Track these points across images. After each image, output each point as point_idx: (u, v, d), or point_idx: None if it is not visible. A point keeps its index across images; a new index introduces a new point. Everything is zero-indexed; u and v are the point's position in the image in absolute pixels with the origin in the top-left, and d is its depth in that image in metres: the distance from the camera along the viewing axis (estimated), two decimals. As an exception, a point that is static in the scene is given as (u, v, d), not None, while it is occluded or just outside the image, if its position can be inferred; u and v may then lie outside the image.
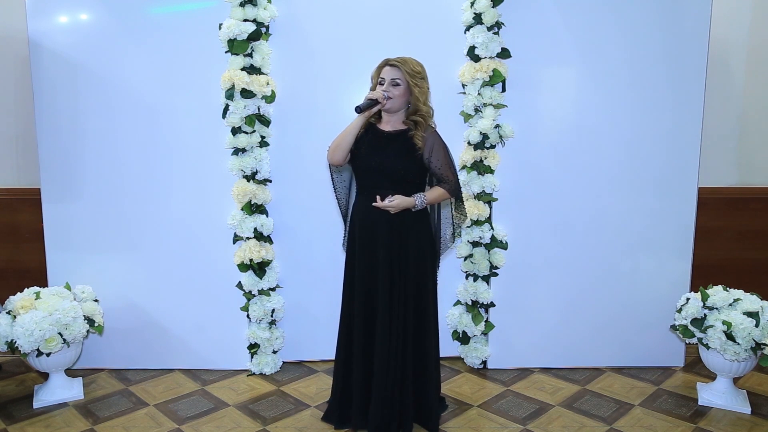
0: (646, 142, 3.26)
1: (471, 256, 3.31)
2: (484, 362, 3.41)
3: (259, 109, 3.18)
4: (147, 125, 3.24)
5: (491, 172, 3.24)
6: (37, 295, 3.01)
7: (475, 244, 3.30)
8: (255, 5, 3.09)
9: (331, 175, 2.77)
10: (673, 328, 3.10)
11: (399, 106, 2.58)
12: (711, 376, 3.18)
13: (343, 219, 2.83)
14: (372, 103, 2.52)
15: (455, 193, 2.64)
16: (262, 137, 3.22)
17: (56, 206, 3.27)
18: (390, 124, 2.63)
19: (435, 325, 2.74)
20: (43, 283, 3.27)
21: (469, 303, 3.36)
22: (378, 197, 2.53)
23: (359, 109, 2.50)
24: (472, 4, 3.16)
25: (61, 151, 3.24)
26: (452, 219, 2.75)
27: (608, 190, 3.30)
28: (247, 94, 3.12)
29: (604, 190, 3.30)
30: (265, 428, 2.81)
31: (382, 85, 2.55)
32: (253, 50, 3.13)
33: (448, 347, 3.37)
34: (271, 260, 3.31)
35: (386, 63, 2.57)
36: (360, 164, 2.61)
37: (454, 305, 3.45)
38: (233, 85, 3.10)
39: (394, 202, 2.52)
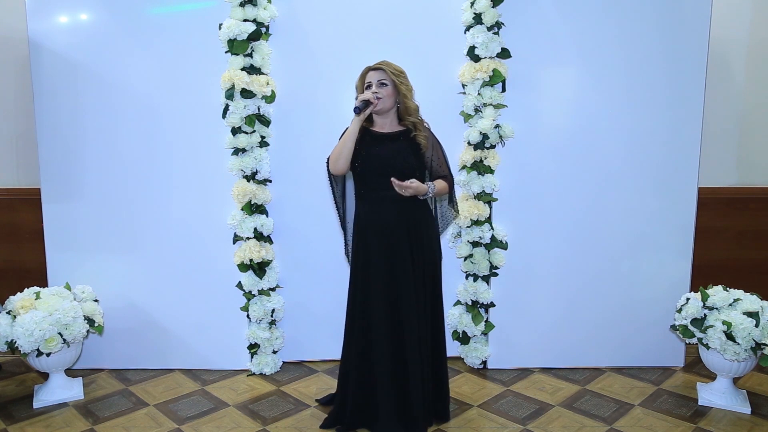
0: (646, 141, 3.26)
1: (471, 256, 3.31)
2: (484, 362, 3.41)
3: (259, 109, 3.18)
4: (147, 125, 3.24)
5: (491, 172, 3.24)
6: (37, 295, 3.01)
7: (475, 244, 3.30)
8: (255, 5, 3.10)
9: (332, 187, 2.77)
10: (673, 328, 3.10)
11: (389, 106, 2.64)
12: (711, 376, 3.18)
13: (342, 227, 2.85)
14: (366, 103, 2.56)
15: (452, 187, 2.74)
16: (262, 137, 3.22)
17: (56, 206, 3.27)
18: (385, 126, 2.68)
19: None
20: (43, 283, 3.27)
21: (469, 303, 3.36)
22: (393, 180, 2.51)
23: (357, 110, 2.54)
24: (472, 4, 3.16)
25: (61, 151, 3.24)
26: (444, 214, 2.87)
27: (608, 190, 3.30)
28: (247, 94, 3.12)
29: (604, 190, 3.30)
30: (265, 428, 2.81)
31: (370, 88, 2.61)
32: (253, 50, 3.13)
33: (448, 347, 3.34)
34: (271, 260, 3.31)
35: (368, 69, 2.65)
36: (363, 168, 2.63)
37: (454, 305, 3.45)
38: (233, 85, 3.10)
39: (414, 183, 2.53)
